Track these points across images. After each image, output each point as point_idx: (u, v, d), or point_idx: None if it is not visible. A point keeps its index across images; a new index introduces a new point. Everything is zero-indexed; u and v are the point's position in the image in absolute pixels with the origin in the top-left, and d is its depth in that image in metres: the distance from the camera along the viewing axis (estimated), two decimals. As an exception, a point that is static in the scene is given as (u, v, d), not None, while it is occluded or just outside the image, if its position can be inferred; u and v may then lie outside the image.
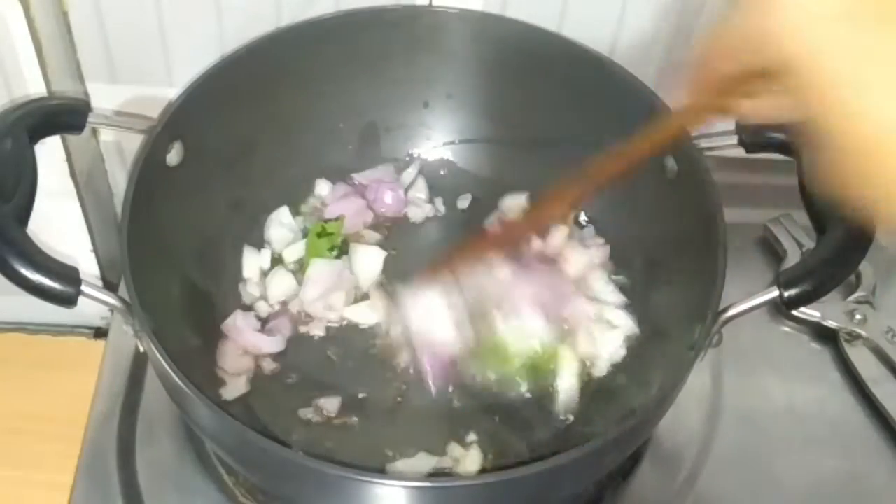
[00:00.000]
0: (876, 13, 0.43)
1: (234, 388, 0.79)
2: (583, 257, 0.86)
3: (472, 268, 0.79)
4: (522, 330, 0.80)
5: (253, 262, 0.86)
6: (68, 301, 0.64)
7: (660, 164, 0.79)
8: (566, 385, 0.80)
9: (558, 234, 0.86)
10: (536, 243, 0.85)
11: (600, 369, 0.81)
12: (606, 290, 0.85)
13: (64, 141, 0.84)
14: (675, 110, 0.67)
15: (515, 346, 0.79)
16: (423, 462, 0.76)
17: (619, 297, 0.85)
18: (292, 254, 0.87)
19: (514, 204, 0.90)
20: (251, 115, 0.83)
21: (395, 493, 0.62)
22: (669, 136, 0.66)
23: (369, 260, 0.86)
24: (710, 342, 0.68)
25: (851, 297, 0.90)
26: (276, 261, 0.87)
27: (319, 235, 0.87)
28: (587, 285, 0.85)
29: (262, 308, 0.84)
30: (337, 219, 0.88)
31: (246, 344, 0.81)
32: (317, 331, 0.84)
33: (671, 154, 0.78)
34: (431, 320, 0.79)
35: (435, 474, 0.75)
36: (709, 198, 0.73)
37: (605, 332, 0.82)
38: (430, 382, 0.80)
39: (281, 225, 0.88)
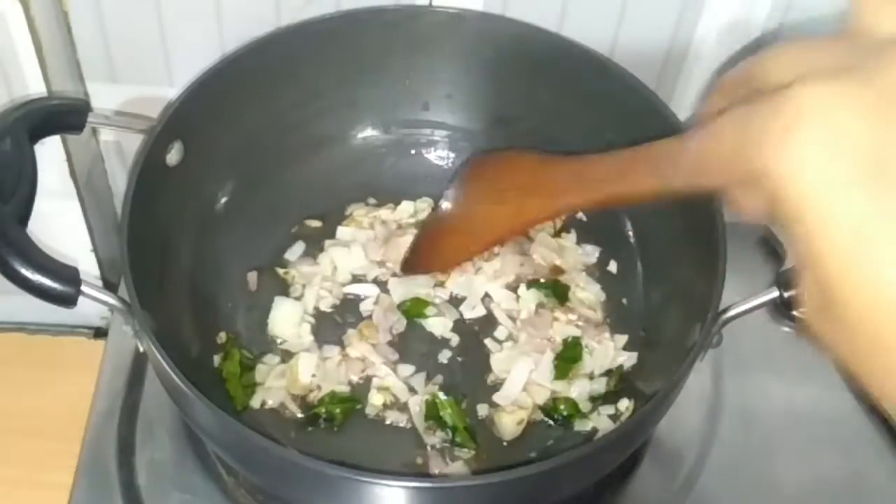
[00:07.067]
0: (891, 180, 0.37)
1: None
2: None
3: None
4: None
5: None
6: (68, 301, 0.64)
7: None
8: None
9: None
10: None
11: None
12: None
13: (64, 141, 0.84)
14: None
15: None
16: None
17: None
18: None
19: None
20: (251, 115, 0.83)
21: (394, 493, 0.62)
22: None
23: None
24: (710, 342, 0.68)
25: (852, 297, 0.89)
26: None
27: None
28: None
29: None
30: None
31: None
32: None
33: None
34: None
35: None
36: (709, 198, 0.73)
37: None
38: None
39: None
